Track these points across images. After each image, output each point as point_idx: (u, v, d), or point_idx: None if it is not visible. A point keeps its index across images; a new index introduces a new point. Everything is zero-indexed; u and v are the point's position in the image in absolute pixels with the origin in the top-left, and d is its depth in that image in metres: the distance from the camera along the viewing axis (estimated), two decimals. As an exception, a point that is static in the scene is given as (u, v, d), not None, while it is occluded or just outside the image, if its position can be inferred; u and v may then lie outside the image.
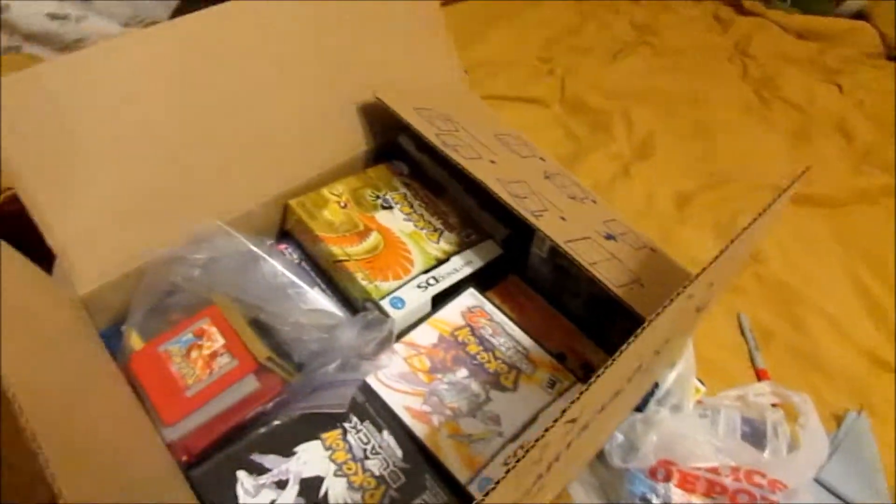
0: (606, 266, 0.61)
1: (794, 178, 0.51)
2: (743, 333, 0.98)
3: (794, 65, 1.39)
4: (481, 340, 0.64)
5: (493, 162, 0.69)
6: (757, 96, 1.31)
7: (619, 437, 0.79)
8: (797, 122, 1.27)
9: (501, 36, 1.37)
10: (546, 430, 0.35)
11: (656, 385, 0.81)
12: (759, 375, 0.94)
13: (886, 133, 1.26)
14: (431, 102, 0.74)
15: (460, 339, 0.64)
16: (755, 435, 0.84)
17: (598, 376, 0.38)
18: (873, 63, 1.44)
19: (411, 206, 0.73)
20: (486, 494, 0.33)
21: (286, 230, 0.72)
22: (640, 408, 0.80)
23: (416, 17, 0.79)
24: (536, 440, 0.35)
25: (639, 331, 0.40)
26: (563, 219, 0.65)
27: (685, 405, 0.84)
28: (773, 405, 0.87)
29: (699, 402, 0.87)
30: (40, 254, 0.79)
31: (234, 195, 0.67)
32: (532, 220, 0.62)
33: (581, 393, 0.37)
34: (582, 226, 0.65)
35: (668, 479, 0.76)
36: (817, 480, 0.80)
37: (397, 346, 0.63)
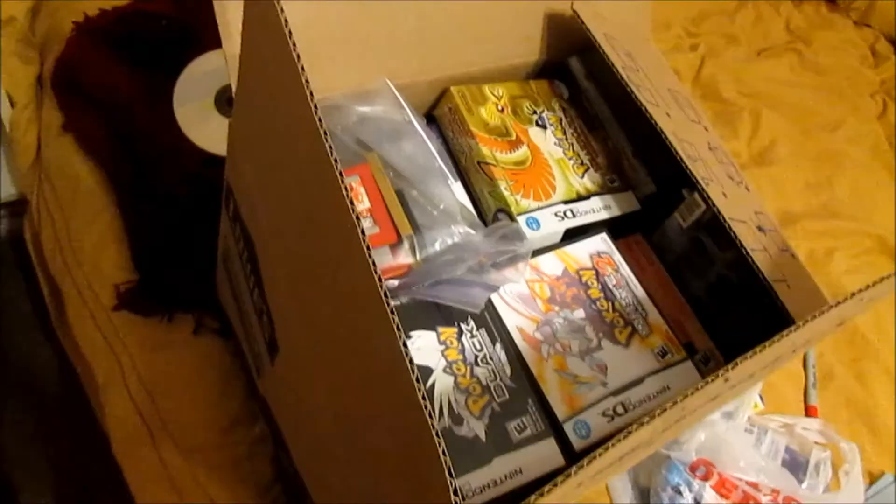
0: (761, 256, 0.59)
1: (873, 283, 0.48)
2: (805, 367, 0.97)
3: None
4: (604, 288, 0.62)
5: (668, 115, 0.65)
6: (888, 142, 1.26)
7: (673, 425, 0.78)
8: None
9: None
10: (685, 395, 0.38)
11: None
12: (808, 411, 0.93)
13: None
14: (619, 33, 0.70)
15: (584, 279, 0.62)
16: (794, 465, 0.83)
17: (737, 363, 0.40)
18: None
19: (564, 133, 0.70)
20: (606, 450, 0.35)
21: (434, 114, 0.69)
22: (700, 404, 0.79)
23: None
24: (674, 402, 0.37)
25: (793, 327, 0.42)
26: (724, 195, 0.62)
27: (740, 415, 0.83)
28: (817, 443, 0.86)
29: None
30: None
31: (404, 63, 0.63)
32: (702, 185, 0.59)
33: (729, 368, 0.39)
34: (739, 208, 0.63)
35: (706, 478, 0.76)
36: (844, 528, 0.80)
37: (521, 267, 0.61)
